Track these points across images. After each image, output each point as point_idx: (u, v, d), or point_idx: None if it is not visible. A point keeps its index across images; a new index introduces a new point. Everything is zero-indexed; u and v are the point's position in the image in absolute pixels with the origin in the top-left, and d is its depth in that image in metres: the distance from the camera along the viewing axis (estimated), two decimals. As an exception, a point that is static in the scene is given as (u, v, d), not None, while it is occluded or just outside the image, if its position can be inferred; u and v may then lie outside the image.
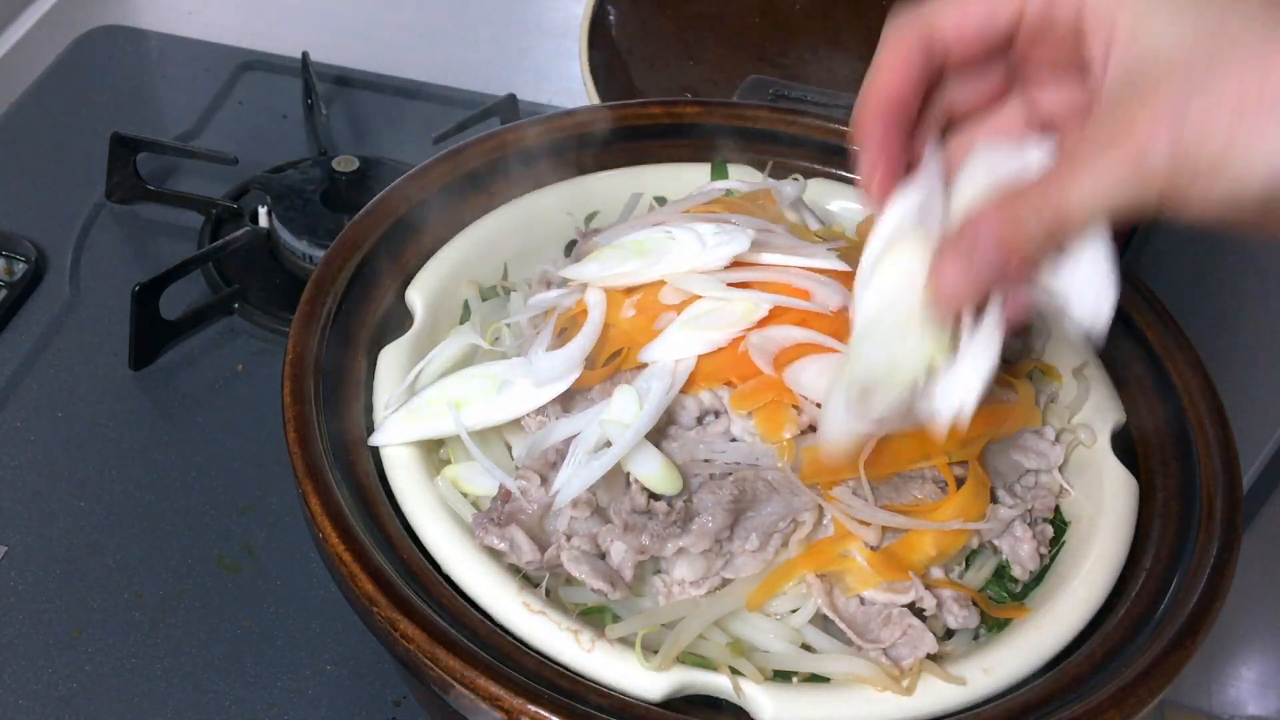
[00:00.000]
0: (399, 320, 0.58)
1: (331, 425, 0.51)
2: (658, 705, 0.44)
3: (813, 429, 0.49)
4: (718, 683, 0.44)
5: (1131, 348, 0.58)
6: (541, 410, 0.51)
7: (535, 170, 0.64)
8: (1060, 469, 0.54)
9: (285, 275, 0.84)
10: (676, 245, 0.53)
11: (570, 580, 0.48)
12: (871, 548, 0.47)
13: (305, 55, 0.99)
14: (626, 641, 0.45)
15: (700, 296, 0.51)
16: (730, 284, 0.51)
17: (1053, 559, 0.52)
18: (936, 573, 0.49)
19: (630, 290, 0.53)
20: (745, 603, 0.47)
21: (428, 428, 0.51)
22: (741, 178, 0.66)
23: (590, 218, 0.65)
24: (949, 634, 0.49)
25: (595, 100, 0.91)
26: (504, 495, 0.49)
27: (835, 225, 0.64)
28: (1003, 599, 0.51)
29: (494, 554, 0.48)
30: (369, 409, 0.54)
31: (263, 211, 0.85)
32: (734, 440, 0.50)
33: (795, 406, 0.49)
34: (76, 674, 0.61)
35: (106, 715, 0.60)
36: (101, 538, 0.67)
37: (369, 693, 0.62)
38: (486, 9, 1.09)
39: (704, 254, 0.52)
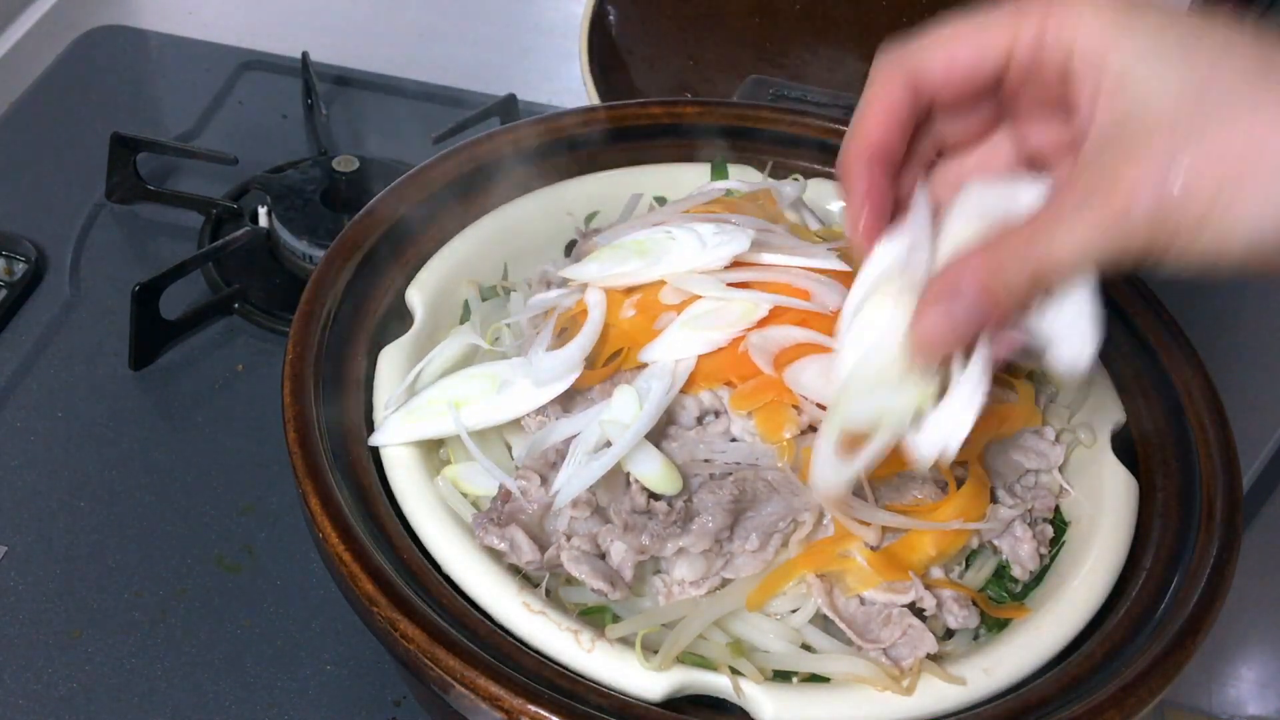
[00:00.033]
0: (399, 320, 0.58)
1: (331, 425, 0.51)
2: (658, 705, 0.44)
3: (813, 429, 0.49)
4: (718, 683, 0.44)
5: (1131, 348, 0.58)
6: (541, 410, 0.51)
7: (535, 170, 0.64)
8: (1060, 469, 0.54)
9: (285, 275, 0.84)
10: (676, 245, 0.53)
11: (570, 580, 0.48)
12: (871, 548, 0.47)
13: (305, 55, 0.99)
14: (626, 641, 0.45)
15: (700, 296, 0.51)
16: (730, 284, 0.51)
17: (1053, 559, 0.52)
18: (936, 573, 0.49)
19: (630, 290, 0.53)
20: (745, 603, 0.47)
21: (428, 428, 0.51)
22: (741, 178, 0.66)
23: (590, 218, 0.65)
24: (949, 634, 0.49)
25: (595, 100, 0.91)
26: (504, 495, 0.49)
27: (835, 225, 0.64)
28: (1003, 599, 0.51)
29: (494, 554, 0.48)
30: (369, 409, 0.54)
31: (263, 211, 0.85)
32: (734, 440, 0.50)
33: (795, 406, 0.49)
34: (76, 674, 0.61)
35: (106, 715, 0.60)
36: (101, 538, 0.67)
37: (369, 693, 0.62)
38: (486, 9, 1.09)
39: (704, 254, 0.52)
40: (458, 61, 1.05)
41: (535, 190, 0.64)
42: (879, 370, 0.44)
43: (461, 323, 0.60)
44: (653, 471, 0.47)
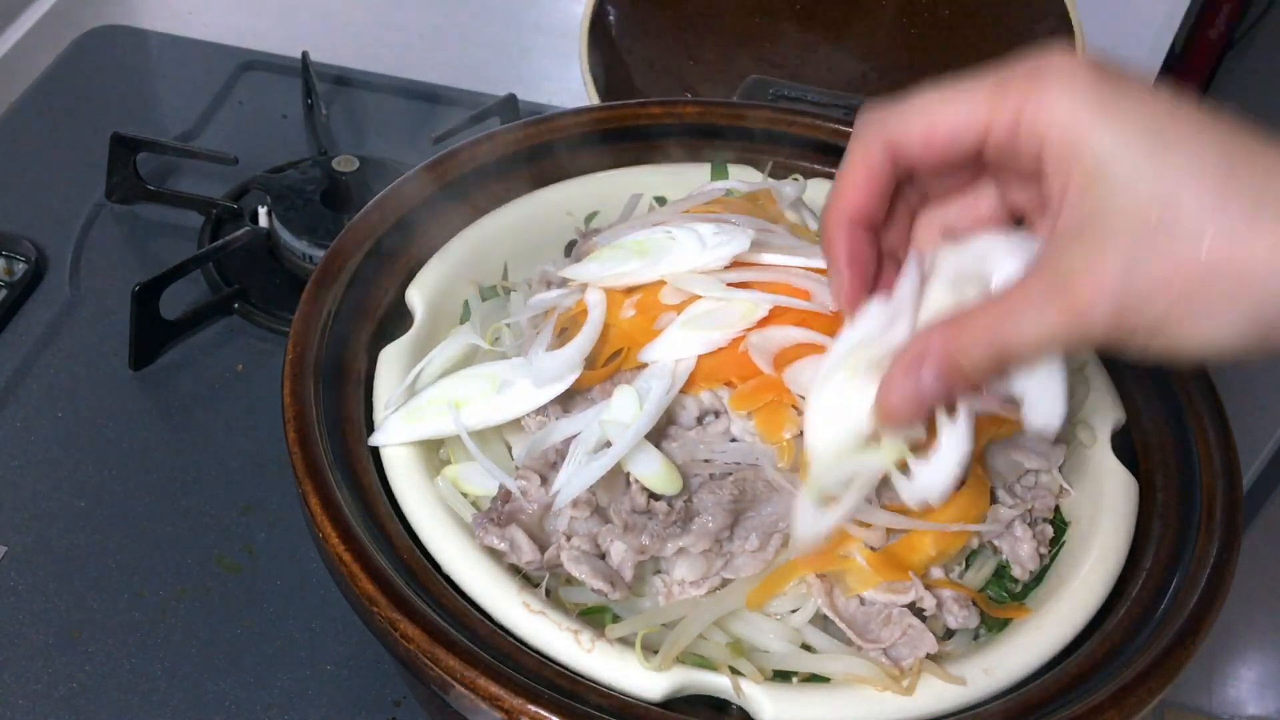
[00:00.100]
0: (399, 320, 0.58)
1: (331, 425, 0.51)
2: (658, 705, 0.44)
3: (807, 403, 0.49)
4: (718, 683, 0.44)
5: (1131, 348, 0.58)
6: (541, 410, 0.51)
7: (535, 170, 0.64)
8: (1060, 469, 0.54)
9: (285, 275, 0.84)
10: (676, 245, 0.53)
11: (570, 580, 0.48)
12: (871, 548, 0.47)
13: (305, 55, 0.99)
14: (626, 641, 0.45)
15: (700, 296, 0.51)
16: (730, 284, 0.51)
17: (1053, 559, 0.52)
18: (936, 573, 0.49)
19: (630, 290, 0.53)
20: (745, 603, 0.47)
21: (428, 428, 0.51)
22: (741, 178, 0.66)
23: (590, 218, 0.65)
24: (949, 634, 0.49)
25: (595, 100, 0.91)
26: (504, 495, 0.49)
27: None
28: (1003, 599, 0.51)
29: (494, 554, 0.48)
30: (369, 409, 0.54)
31: (263, 211, 0.85)
32: (734, 440, 0.50)
33: (795, 407, 0.49)
34: (76, 674, 0.61)
35: (106, 715, 0.60)
36: (101, 538, 0.67)
37: (369, 693, 0.62)
38: (486, 9, 1.09)
39: (704, 254, 0.52)
40: (458, 61, 1.05)
41: (535, 190, 0.64)
42: (849, 438, 0.45)
43: (461, 323, 0.60)
44: (653, 471, 0.47)
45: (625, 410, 0.48)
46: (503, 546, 0.48)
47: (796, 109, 0.70)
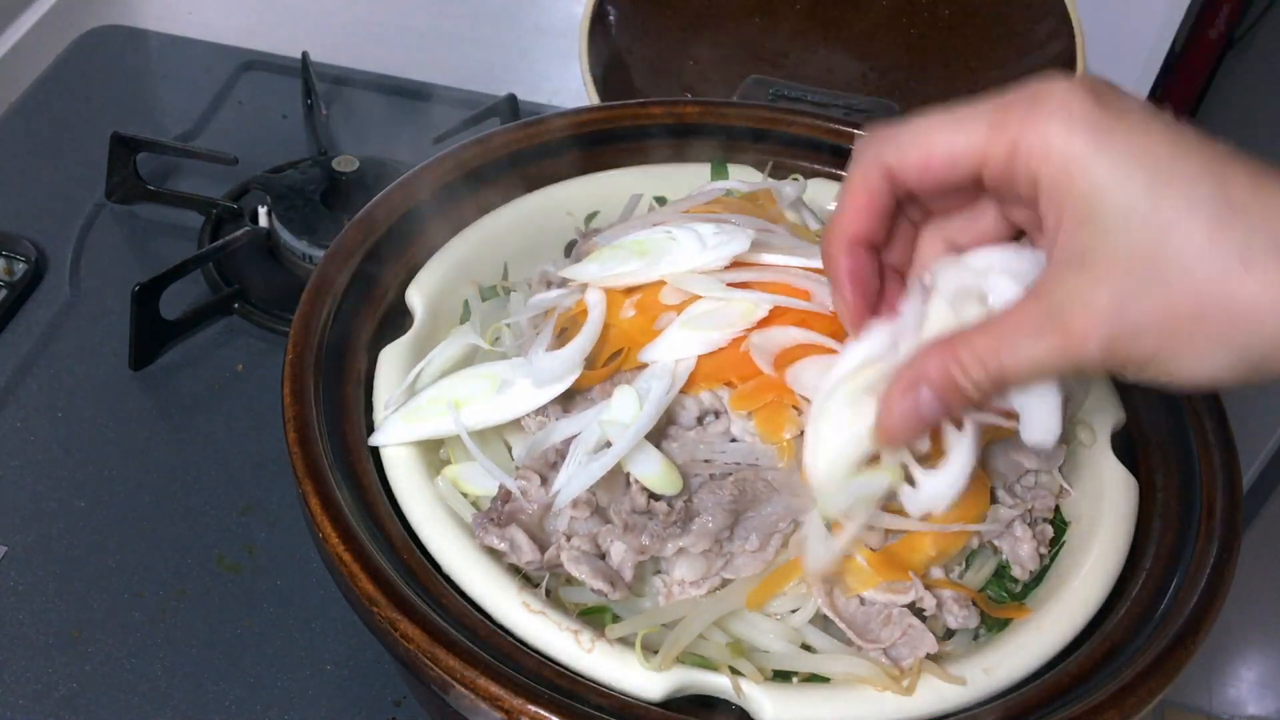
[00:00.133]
0: (399, 320, 0.58)
1: (331, 425, 0.51)
2: (658, 705, 0.44)
3: (807, 421, 0.49)
4: (718, 683, 0.44)
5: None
6: (541, 410, 0.51)
7: (535, 170, 0.64)
8: (1060, 469, 0.54)
9: (285, 275, 0.84)
10: (676, 245, 0.53)
11: (570, 580, 0.48)
12: (871, 548, 0.47)
13: (305, 55, 0.99)
14: (626, 641, 0.45)
15: (700, 296, 0.51)
16: (730, 284, 0.51)
17: (1053, 559, 0.52)
18: (936, 573, 0.49)
19: (630, 290, 0.53)
20: (745, 603, 0.47)
21: (428, 428, 0.51)
22: (741, 178, 0.66)
23: (590, 218, 0.65)
24: (949, 634, 0.49)
25: (595, 100, 0.91)
26: (504, 495, 0.49)
27: (835, 225, 0.64)
28: (1003, 599, 0.51)
29: (494, 554, 0.48)
30: (369, 409, 0.54)
31: (263, 211, 0.85)
32: (734, 440, 0.50)
33: (795, 407, 0.49)
34: (76, 674, 0.61)
35: (106, 715, 0.60)
36: (101, 538, 0.67)
37: (369, 693, 0.62)
38: (486, 9, 1.09)
39: (704, 254, 0.52)
40: (458, 61, 1.05)
41: (535, 190, 0.64)
42: (851, 460, 0.46)
43: (461, 323, 0.60)
44: (653, 472, 0.47)
45: (625, 410, 0.48)
46: (503, 546, 0.48)
47: (796, 109, 0.70)
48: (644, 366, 0.51)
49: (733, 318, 0.50)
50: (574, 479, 0.47)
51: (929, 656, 0.46)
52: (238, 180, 0.90)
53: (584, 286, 0.54)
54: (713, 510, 0.47)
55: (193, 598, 0.65)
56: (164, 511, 0.69)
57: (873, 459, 0.46)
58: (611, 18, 0.95)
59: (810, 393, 0.49)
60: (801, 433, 0.49)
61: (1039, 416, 0.43)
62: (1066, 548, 0.52)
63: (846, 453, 0.46)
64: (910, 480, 0.46)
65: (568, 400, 0.52)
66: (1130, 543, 0.51)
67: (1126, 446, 0.55)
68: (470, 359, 0.56)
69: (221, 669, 0.62)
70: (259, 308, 0.81)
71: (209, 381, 0.77)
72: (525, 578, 0.48)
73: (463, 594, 0.47)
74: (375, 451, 0.52)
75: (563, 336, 0.52)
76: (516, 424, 0.52)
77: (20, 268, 0.81)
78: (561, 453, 0.49)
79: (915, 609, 0.47)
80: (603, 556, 0.48)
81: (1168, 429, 0.55)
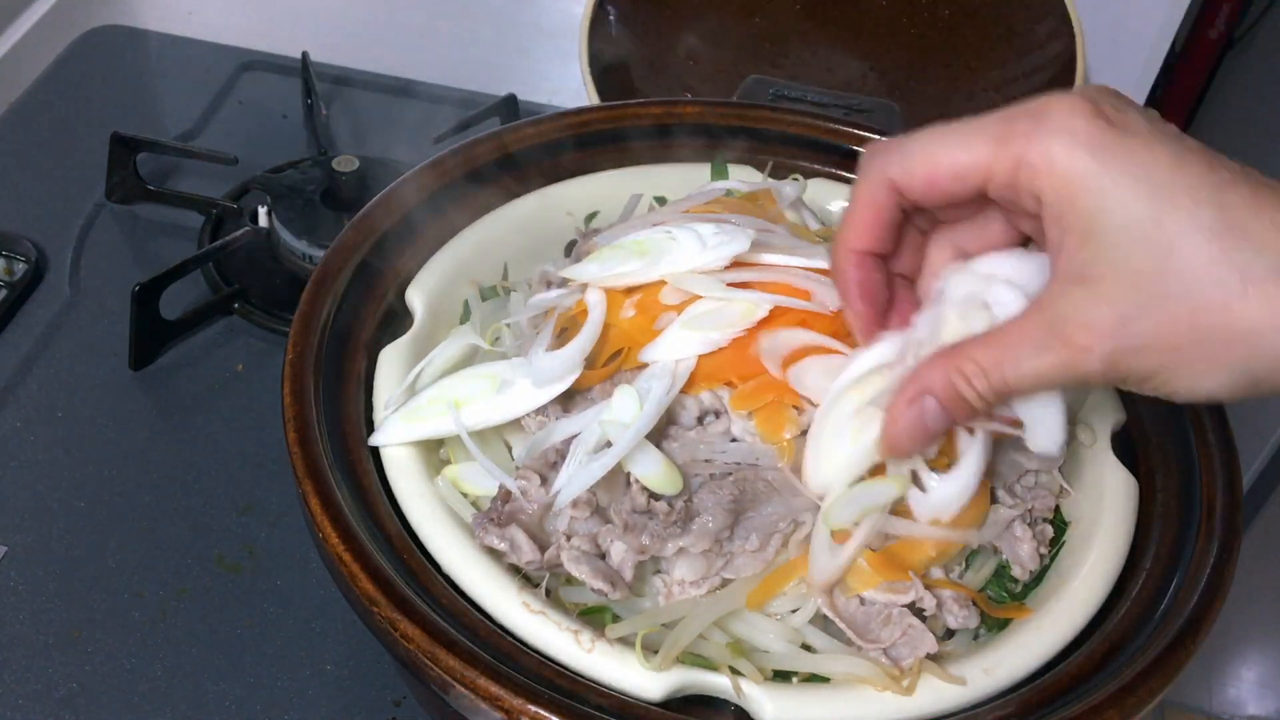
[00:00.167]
0: (399, 320, 0.58)
1: (331, 425, 0.51)
2: (658, 705, 0.44)
3: (811, 427, 0.49)
4: (718, 683, 0.44)
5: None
6: (541, 410, 0.51)
7: (535, 170, 0.64)
8: (1060, 469, 0.54)
9: (285, 275, 0.84)
10: (676, 245, 0.53)
11: (570, 580, 0.48)
12: (872, 548, 0.47)
13: (305, 55, 0.99)
14: (626, 641, 0.45)
15: (700, 296, 0.51)
16: (730, 284, 0.51)
17: (1053, 559, 0.52)
18: (936, 573, 0.49)
19: (630, 290, 0.53)
20: (745, 603, 0.47)
21: (428, 428, 0.51)
22: (741, 178, 0.66)
23: (590, 218, 0.65)
24: (949, 634, 0.49)
25: (595, 100, 0.91)
26: (504, 495, 0.49)
27: (835, 225, 0.64)
28: (1003, 599, 0.51)
29: (494, 554, 0.48)
30: (369, 409, 0.54)
31: (263, 211, 0.85)
32: (734, 440, 0.50)
33: (796, 407, 0.49)
34: (76, 674, 0.61)
35: (106, 715, 0.60)
36: (101, 538, 0.67)
37: (369, 693, 0.62)
38: (486, 9, 1.09)
39: (704, 254, 0.52)
40: (458, 61, 1.05)
41: (535, 190, 0.64)
42: (857, 469, 0.46)
43: (461, 323, 0.60)
44: (653, 471, 0.47)
45: (625, 410, 0.48)
46: (503, 546, 0.48)
47: (796, 109, 0.70)
48: (644, 366, 0.51)
49: (733, 318, 0.50)
50: (574, 479, 0.47)
51: (929, 656, 0.46)
52: (238, 180, 0.90)
53: (584, 286, 0.54)
54: (713, 510, 0.47)
55: (193, 598, 0.65)
56: (164, 511, 0.69)
57: (878, 468, 0.47)
58: (611, 18, 0.95)
59: (811, 393, 0.49)
60: (802, 433, 0.49)
61: (1044, 425, 0.44)
62: (1066, 548, 0.52)
63: (853, 462, 0.46)
64: (919, 485, 0.46)
65: (568, 400, 0.52)
66: (1130, 543, 0.51)
67: (1126, 446, 0.55)
68: (470, 359, 0.56)
69: (221, 669, 0.62)
70: (259, 308, 0.81)
71: (209, 381, 0.77)
72: (525, 578, 0.48)
73: (463, 594, 0.47)
74: (375, 451, 0.52)
75: (563, 336, 0.52)
76: (516, 424, 0.52)
77: (20, 268, 0.81)
78: (561, 453, 0.49)
79: (915, 609, 0.47)
80: (603, 556, 0.48)
81: (1168, 429, 0.55)
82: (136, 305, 0.75)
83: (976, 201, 0.43)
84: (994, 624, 0.49)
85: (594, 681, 0.44)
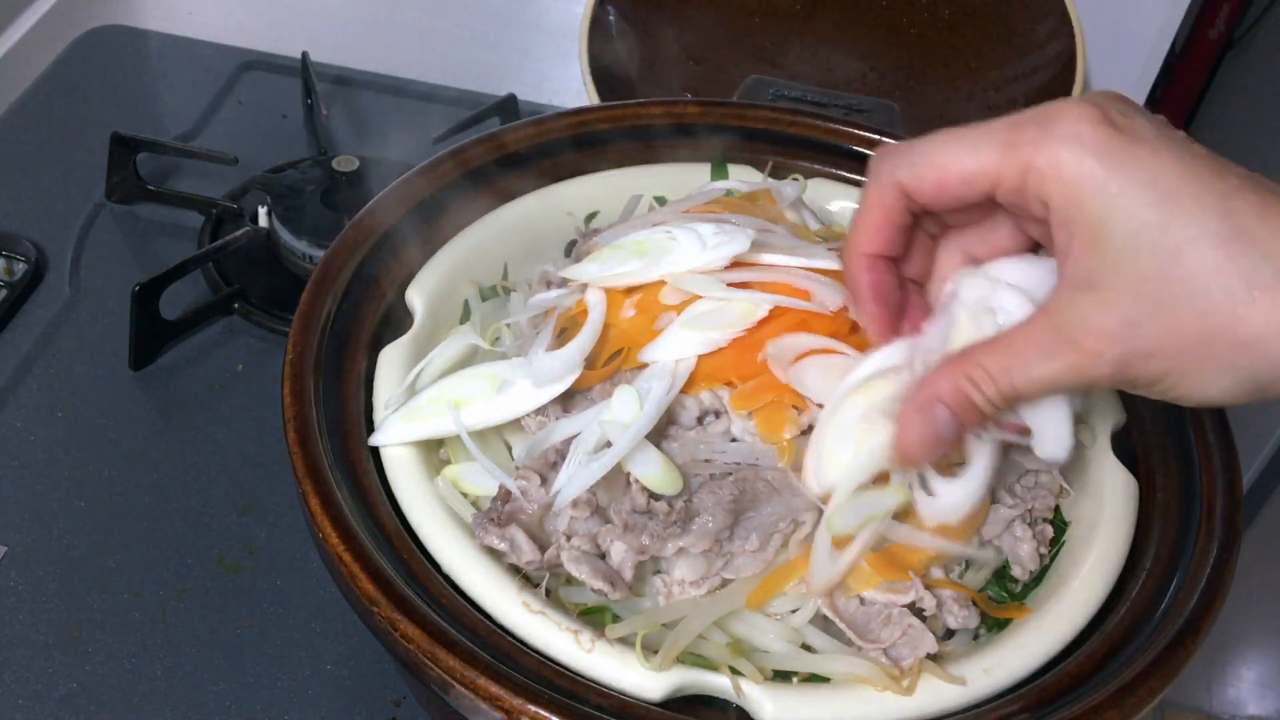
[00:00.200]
0: (399, 320, 0.58)
1: (331, 425, 0.51)
2: (658, 705, 0.44)
3: (813, 429, 0.50)
4: (718, 683, 0.44)
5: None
6: (541, 410, 0.51)
7: (535, 170, 0.64)
8: (1060, 469, 0.54)
9: (285, 275, 0.84)
10: (676, 245, 0.53)
11: (570, 580, 0.48)
12: (871, 549, 0.47)
13: (305, 55, 0.99)
14: (626, 641, 0.45)
15: (700, 296, 0.51)
16: (730, 284, 0.51)
17: (1053, 559, 0.52)
18: (936, 573, 0.49)
19: (630, 290, 0.53)
20: (745, 603, 0.47)
21: (428, 428, 0.51)
22: (741, 178, 0.66)
23: (590, 218, 0.65)
24: (949, 634, 0.49)
25: (595, 100, 0.91)
26: (504, 495, 0.49)
27: (835, 225, 0.64)
28: (1003, 599, 0.51)
29: (494, 554, 0.48)
30: (369, 409, 0.54)
31: (263, 211, 0.85)
32: (734, 440, 0.50)
33: (796, 406, 0.49)
34: (76, 674, 0.61)
35: (106, 715, 0.60)
36: (101, 538, 0.67)
37: (369, 693, 0.62)
38: (486, 9, 1.09)
39: (704, 254, 0.52)
40: (458, 61, 1.05)
41: (535, 190, 0.64)
42: (860, 480, 0.47)
43: (461, 323, 0.60)
44: (653, 471, 0.47)
45: (625, 410, 0.48)
46: (503, 546, 0.48)
47: (796, 109, 0.70)
48: (644, 366, 0.51)
49: (733, 318, 0.50)
50: (574, 479, 0.47)
51: (929, 656, 0.46)
52: (238, 180, 0.90)
53: (584, 286, 0.54)
54: (713, 510, 0.47)
55: (193, 598, 0.65)
56: (164, 511, 0.69)
57: (881, 476, 0.47)
58: (611, 18, 0.95)
59: (810, 392, 0.49)
60: (803, 433, 0.49)
61: (1052, 431, 0.44)
62: (1066, 548, 0.52)
63: (855, 468, 0.47)
64: (926, 488, 0.46)
65: (568, 400, 0.52)
66: (1130, 543, 0.51)
67: (1126, 446, 0.55)
68: (470, 359, 0.56)
69: (221, 669, 0.62)
70: (259, 308, 0.81)
71: (209, 381, 0.77)
72: (525, 578, 0.48)
73: (463, 594, 0.47)
74: (375, 451, 0.52)
75: (563, 336, 0.52)
76: (516, 424, 0.52)
77: (20, 268, 0.81)
78: (561, 453, 0.49)
79: (915, 609, 0.47)
80: (603, 556, 0.48)
81: (1168, 429, 0.55)
82: (136, 305, 0.75)
83: (985, 206, 0.44)
84: (994, 624, 0.49)
85: (594, 681, 0.44)
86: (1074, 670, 0.46)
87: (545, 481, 0.49)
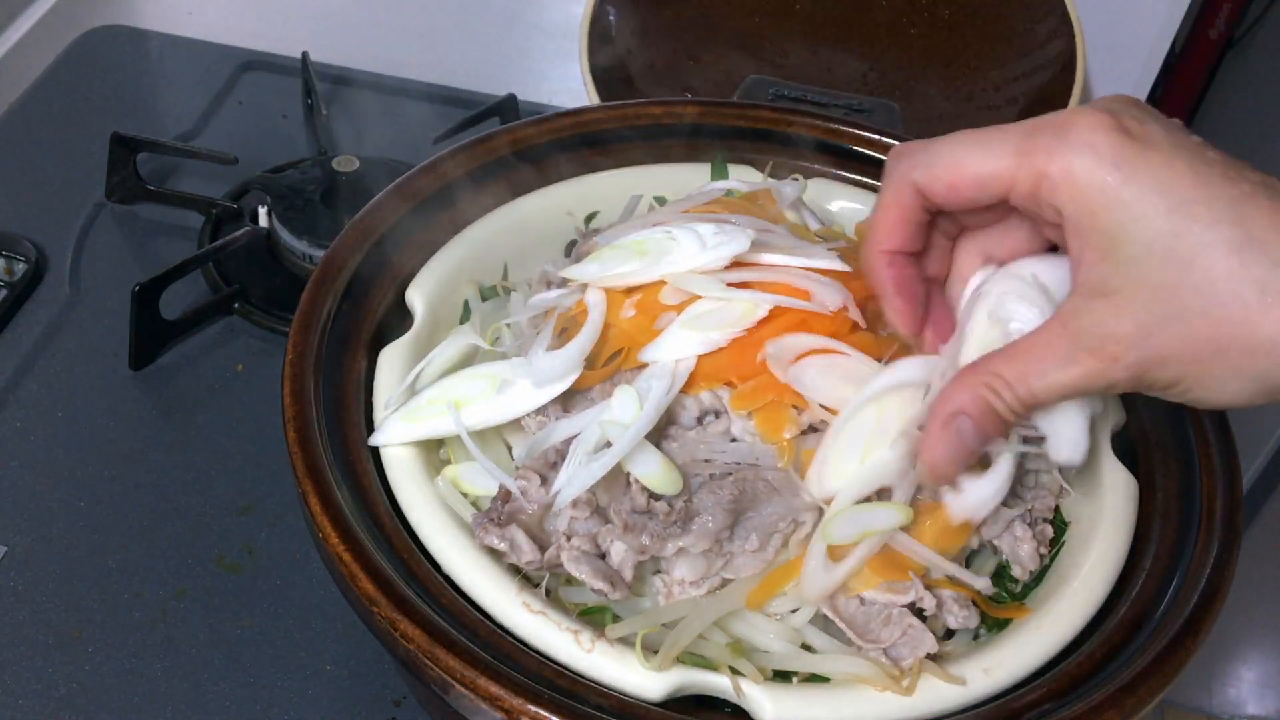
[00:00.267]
0: (399, 320, 0.58)
1: (331, 425, 0.51)
2: (658, 705, 0.44)
3: (813, 429, 0.50)
4: (718, 683, 0.44)
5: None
6: (541, 410, 0.51)
7: (535, 170, 0.64)
8: (1060, 469, 0.54)
9: (285, 275, 0.84)
10: (676, 245, 0.53)
11: (570, 580, 0.48)
12: (871, 548, 0.47)
13: (305, 55, 0.99)
14: (626, 641, 0.45)
15: (700, 296, 0.51)
16: (730, 284, 0.51)
17: (1053, 559, 0.52)
18: (937, 573, 0.49)
19: (630, 290, 0.53)
20: (745, 603, 0.47)
21: (428, 428, 0.51)
22: (741, 178, 0.66)
23: (590, 218, 0.65)
24: (949, 634, 0.49)
25: (595, 100, 0.91)
26: (504, 495, 0.49)
27: (835, 225, 0.64)
28: (1003, 599, 0.51)
29: (494, 554, 0.48)
30: (369, 409, 0.54)
31: (263, 211, 0.85)
32: (734, 440, 0.50)
33: (796, 406, 0.49)
34: (76, 674, 0.61)
35: (106, 715, 0.60)
36: (101, 538, 0.67)
37: (369, 693, 0.62)
38: (486, 9, 1.09)
39: (704, 254, 0.52)
40: (458, 61, 1.05)
41: (535, 190, 0.64)
42: (862, 494, 0.47)
43: (461, 323, 0.60)
44: (653, 471, 0.47)
45: (625, 410, 0.48)
46: (503, 546, 0.48)
47: (796, 109, 0.70)
48: (644, 366, 0.51)
49: (733, 318, 0.50)
50: (574, 479, 0.47)
51: (929, 656, 0.46)
52: (238, 180, 0.90)
53: (584, 286, 0.54)
54: (713, 510, 0.47)
55: (193, 598, 0.65)
56: (164, 511, 0.69)
57: (884, 491, 0.47)
58: (611, 18, 0.95)
59: (810, 392, 0.49)
60: (802, 432, 0.49)
61: (1067, 436, 0.45)
62: (1066, 548, 0.52)
63: (860, 480, 0.47)
64: (953, 485, 0.47)
65: (568, 400, 0.52)
66: (1130, 543, 0.51)
67: (1126, 446, 0.55)
68: (470, 359, 0.56)
69: (221, 669, 0.62)
70: (259, 308, 0.81)
71: (209, 381, 0.77)
72: (525, 578, 0.48)
73: (463, 594, 0.47)
74: (375, 451, 0.52)
75: (563, 336, 0.52)
76: (516, 424, 0.52)
77: (20, 268, 0.81)
78: (561, 453, 0.49)
79: (915, 609, 0.47)
80: (603, 556, 0.48)
81: (1168, 429, 0.55)
82: (136, 305, 0.75)
83: (1001, 208, 0.44)
84: (994, 624, 0.49)
85: (594, 681, 0.44)
86: (1074, 670, 0.46)
87: (545, 481, 0.49)
